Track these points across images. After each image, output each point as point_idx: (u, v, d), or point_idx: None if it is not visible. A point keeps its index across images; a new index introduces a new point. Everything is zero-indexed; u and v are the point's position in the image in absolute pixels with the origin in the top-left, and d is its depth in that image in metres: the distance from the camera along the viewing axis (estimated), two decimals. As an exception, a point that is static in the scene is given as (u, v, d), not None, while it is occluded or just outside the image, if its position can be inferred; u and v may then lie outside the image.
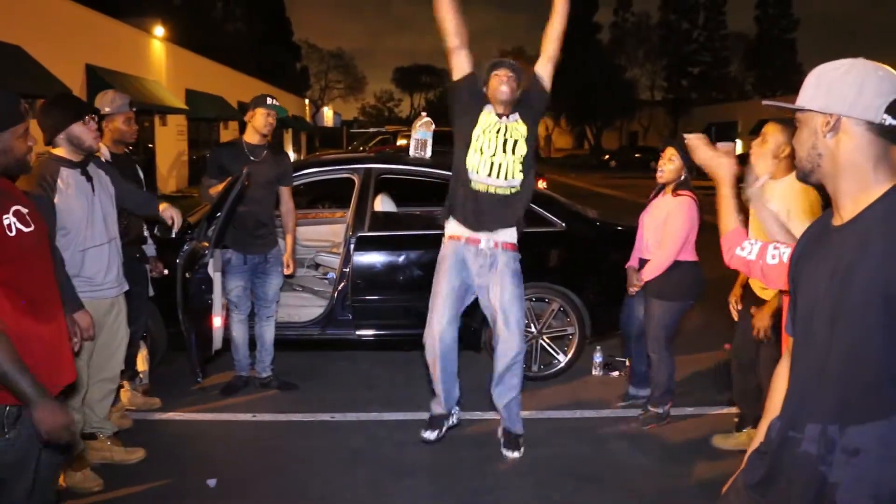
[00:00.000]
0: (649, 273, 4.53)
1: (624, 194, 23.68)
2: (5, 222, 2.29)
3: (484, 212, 4.12)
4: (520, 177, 4.11)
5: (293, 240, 5.18)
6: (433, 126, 6.15)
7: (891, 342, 1.50)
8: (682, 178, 4.51)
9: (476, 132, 4.09)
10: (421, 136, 6.01)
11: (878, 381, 1.53)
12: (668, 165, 4.51)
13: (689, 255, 4.51)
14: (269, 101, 4.94)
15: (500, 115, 4.12)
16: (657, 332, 4.58)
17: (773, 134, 3.74)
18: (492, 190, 4.09)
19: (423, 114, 6.38)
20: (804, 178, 1.74)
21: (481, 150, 4.07)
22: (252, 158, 4.89)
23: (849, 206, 1.64)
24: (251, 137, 4.97)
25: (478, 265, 4.16)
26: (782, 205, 3.54)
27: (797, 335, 1.75)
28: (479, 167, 4.07)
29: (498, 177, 4.07)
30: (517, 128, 4.12)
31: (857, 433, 1.56)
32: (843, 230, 1.64)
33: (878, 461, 1.54)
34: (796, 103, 1.69)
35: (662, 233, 4.49)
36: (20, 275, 2.34)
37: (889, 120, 1.57)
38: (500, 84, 4.06)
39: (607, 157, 45.46)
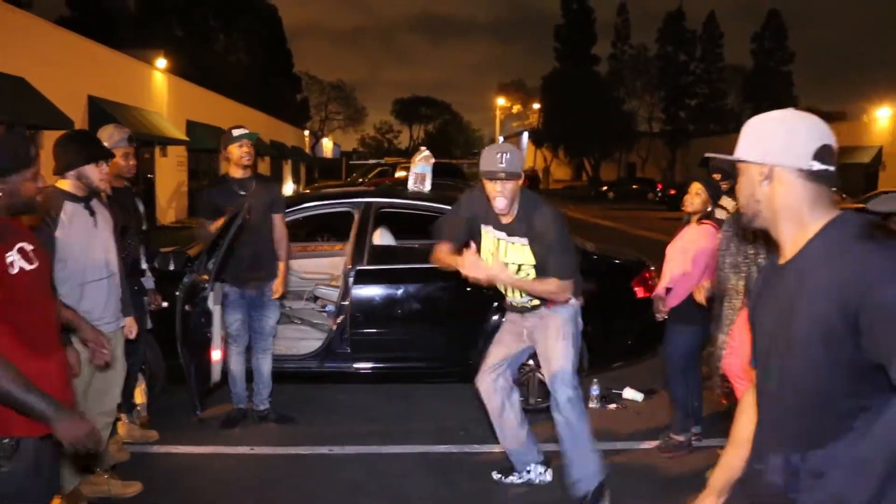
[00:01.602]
0: (673, 299, 4.66)
1: (622, 226, 23.74)
2: (8, 260, 2.31)
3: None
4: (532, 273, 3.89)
5: (286, 266, 5.17)
6: (433, 160, 6.21)
7: (837, 368, 1.58)
8: (709, 210, 4.68)
9: (483, 252, 3.97)
10: (420, 170, 6.07)
11: (830, 408, 1.62)
12: (696, 200, 4.66)
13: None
14: (235, 133, 4.96)
15: (497, 227, 3.91)
16: (672, 356, 4.71)
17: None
18: (516, 303, 4.07)
19: (423, 148, 6.44)
20: (748, 223, 1.84)
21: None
22: (242, 193, 4.91)
23: (789, 246, 1.74)
24: (235, 172, 5.00)
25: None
26: None
27: (758, 371, 1.84)
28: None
29: (513, 295, 4.04)
30: (522, 251, 3.86)
31: (819, 457, 1.64)
32: (785, 269, 1.73)
33: (843, 481, 1.61)
34: (734, 154, 1.81)
35: (685, 261, 4.63)
36: (21, 312, 2.36)
37: (817, 165, 1.68)
38: (495, 197, 3.75)
39: (605, 188, 45.65)
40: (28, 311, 2.40)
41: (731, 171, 4.38)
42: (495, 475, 4.34)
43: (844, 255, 1.58)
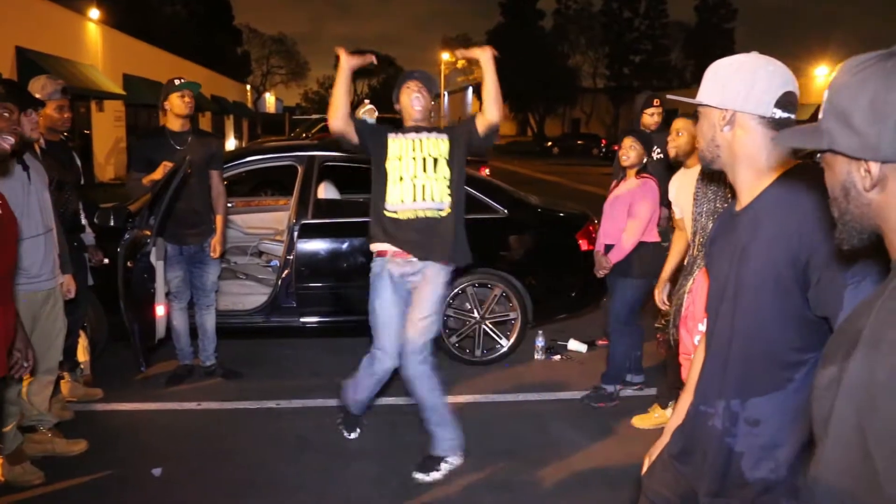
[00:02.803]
0: (616, 255, 4.69)
1: (566, 181, 23.97)
2: None
3: (411, 240, 3.88)
4: (447, 199, 3.87)
5: (223, 223, 5.08)
6: (376, 113, 6.17)
7: (783, 318, 1.63)
8: (643, 162, 4.72)
9: (390, 164, 3.88)
10: (365, 124, 6.01)
11: (775, 356, 1.66)
12: (631, 153, 4.69)
13: (652, 237, 4.72)
14: (177, 82, 4.85)
15: (415, 130, 3.93)
16: (618, 309, 4.77)
17: (685, 128, 4.08)
18: (421, 214, 3.86)
19: (366, 101, 6.40)
20: (707, 166, 1.84)
21: (400, 177, 3.86)
22: (178, 147, 4.82)
23: (745, 193, 1.75)
24: (173, 124, 4.89)
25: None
26: None
27: (709, 316, 1.87)
28: (402, 196, 3.85)
29: (424, 199, 3.85)
30: (438, 144, 3.89)
31: (757, 405, 1.70)
32: (741, 215, 1.75)
33: (777, 429, 1.68)
34: (696, 98, 1.78)
35: (626, 216, 4.67)
36: None
37: (779, 113, 1.67)
38: (411, 97, 3.94)
39: (550, 143, 45.86)
40: None
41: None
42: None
43: (798, 206, 1.59)
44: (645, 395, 4.98)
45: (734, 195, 1.82)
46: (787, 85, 1.68)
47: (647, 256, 4.66)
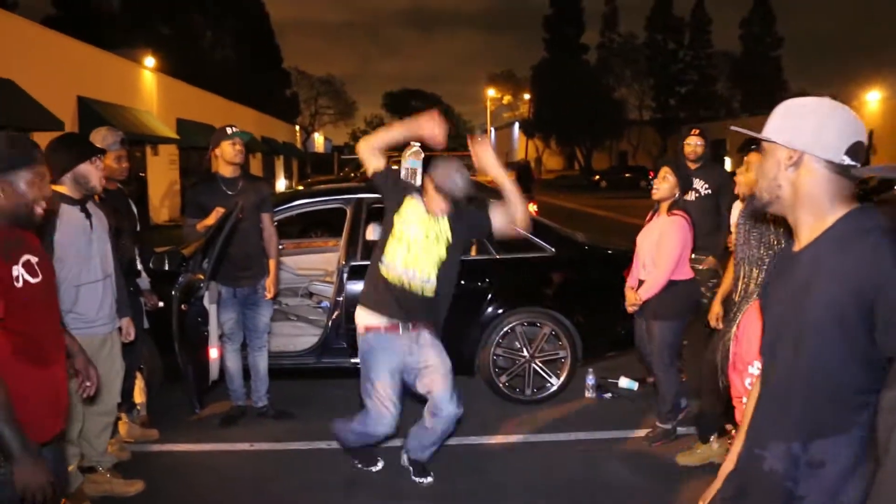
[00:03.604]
0: (646, 292, 4.62)
1: (614, 215, 23.79)
2: (14, 273, 2.34)
3: (404, 307, 4.01)
4: (433, 280, 4.00)
5: (276, 265, 5.20)
6: (423, 154, 6.23)
7: (847, 359, 1.60)
8: (676, 197, 4.63)
9: (398, 218, 3.99)
10: (411, 166, 6.08)
11: (840, 396, 1.63)
12: (663, 184, 4.61)
13: (684, 274, 4.62)
14: (229, 130, 4.98)
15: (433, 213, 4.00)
16: (660, 352, 4.67)
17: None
18: (405, 284, 3.98)
19: (413, 143, 6.47)
20: (762, 207, 1.83)
21: (406, 241, 3.97)
22: (229, 192, 4.93)
23: (805, 234, 1.74)
24: (225, 171, 5.01)
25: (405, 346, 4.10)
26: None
27: (764, 357, 1.84)
28: (396, 258, 3.96)
29: (416, 271, 3.97)
30: (443, 228, 4.01)
31: (821, 447, 1.65)
32: (800, 255, 1.73)
33: (842, 471, 1.63)
34: (763, 132, 1.78)
35: (657, 252, 4.59)
36: (24, 324, 2.39)
37: (848, 160, 1.67)
38: (438, 207, 3.98)
39: (597, 177, 45.68)
40: (31, 323, 2.42)
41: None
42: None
43: (861, 244, 1.58)
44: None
45: (790, 237, 1.81)
46: (858, 135, 1.69)
47: (681, 294, 4.58)
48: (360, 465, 4.47)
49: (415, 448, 4.31)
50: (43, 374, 2.46)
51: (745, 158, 4.01)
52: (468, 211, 4.15)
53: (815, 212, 1.71)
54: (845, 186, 1.70)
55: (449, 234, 4.01)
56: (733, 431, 2.60)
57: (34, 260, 2.45)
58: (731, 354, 2.58)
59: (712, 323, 4.35)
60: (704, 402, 4.36)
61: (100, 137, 4.49)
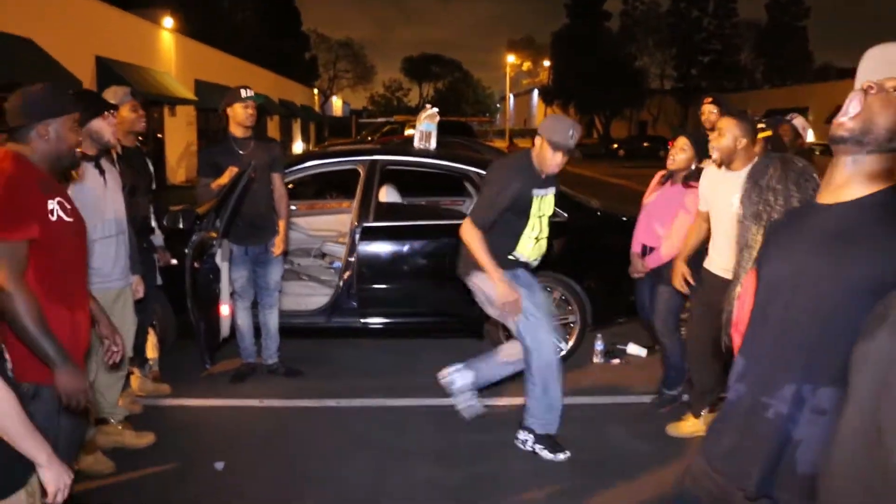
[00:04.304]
0: (654, 261, 4.66)
1: (632, 184, 23.60)
2: (49, 206, 2.44)
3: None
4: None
5: (286, 224, 5.24)
6: (438, 118, 6.23)
7: (852, 320, 1.59)
8: (693, 168, 4.63)
9: (532, 220, 4.20)
10: (425, 128, 6.09)
11: (841, 350, 1.61)
12: (680, 155, 4.64)
13: None
14: (244, 93, 5.00)
15: (541, 185, 4.18)
16: (665, 317, 4.71)
17: (728, 127, 3.94)
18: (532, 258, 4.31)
19: (428, 105, 6.46)
20: (864, 135, 1.70)
21: (537, 237, 4.26)
22: (242, 152, 4.97)
23: (844, 188, 1.71)
24: (237, 132, 5.04)
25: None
26: None
27: (765, 299, 1.83)
28: (527, 249, 4.24)
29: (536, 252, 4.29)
30: (550, 202, 4.28)
31: (828, 395, 1.66)
32: (832, 209, 1.71)
33: (833, 426, 1.63)
34: (859, 81, 1.71)
35: (671, 223, 4.62)
36: (56, 260, 2.48)
37: None
38: (555, 164, 4.10)
39: (616, 146, 45.34)
40: (62, 261, 2.52)
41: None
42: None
43: None
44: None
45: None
46: None
47: (692, 263, 4.57)
48: (545, 450, 4.23)
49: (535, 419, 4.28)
50: (67, 315, 2.54)
51: (718, 124, 4.00)
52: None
53: (872, 161, 1.67)
54: None
55: (550, 203, 4.30)
56: None
57: (67, 205, 2.53)
58: (734, 315, 2.58)
59: (677, 285, 4.35)
60: (695, 377, 4.38)
61: (111, 94, 4.52)
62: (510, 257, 4.19)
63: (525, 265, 4.31)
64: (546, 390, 4.17)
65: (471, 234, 4.11)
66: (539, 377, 4.16)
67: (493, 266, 4.07)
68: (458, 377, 4.47)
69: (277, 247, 5.14)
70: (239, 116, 4.98)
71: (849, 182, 1.71)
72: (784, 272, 1.78)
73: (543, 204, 4.21)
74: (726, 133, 3.93)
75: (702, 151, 4.60)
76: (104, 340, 3.02)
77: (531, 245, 4.22)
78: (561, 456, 4.16)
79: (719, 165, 4.05)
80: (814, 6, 56.79)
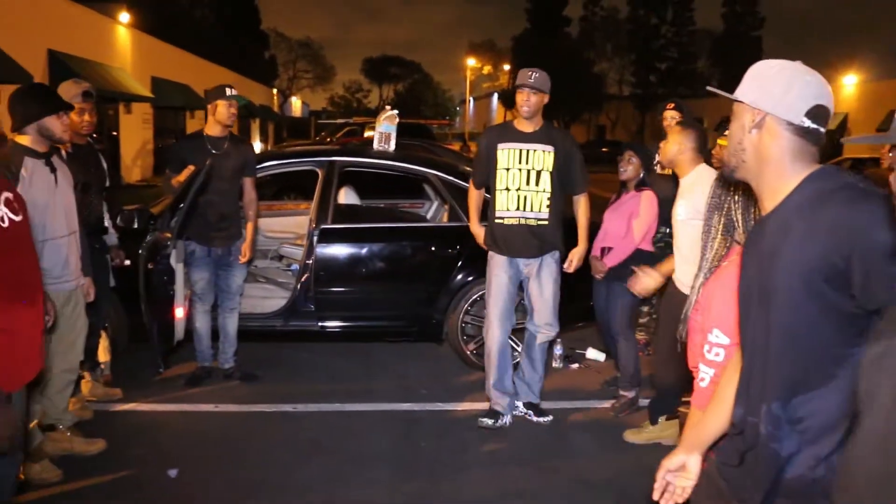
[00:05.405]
0: (612, 259, 4.74)
1: (592, 189, 23.78)
2: None
3: (514, 242, 4.53)
4: (546, 211, 4.49)
5: (253, 229, 5.18)
6: (397, 119, 6.19)
7: (818, 316, 1.60)
8: (641, 175, 4.81)
9: (499, 173, 4.49)
10: (385, 130, 6.05)
11: (813, 354, 1.63)
12: (628, 166, 4.84)
13: (647, 246, 4.79)
14: (228, 91, 4.94)
15: (524, 139, 4.49)
16: (619, 315, 4.80)
17: (674, 134, 4.07)
18: (522, 221, 4.49)
19: (388, 107, 6.43)
20: (730, 174, 1.83)
21: (507, 187, 4.48)
22: (214, 151, 4.89)
23: (770, 199, 1.74)
24: (213, 130, 4.97)
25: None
26: (692, 194, 3.85)
27: (741, 323, 1.84)
28: (507, 204, 4.48)
29: (526, 209, 4.47)
30: (545, 158, 4.48)
31: (799, 403, 1.65)
32: (768, 220, 1.73)
33: (821, 429, 1.64)
34: (734, 94, 1.78)
35: (627, 225, 4.74)
36: (8, 264, 2.37)
37: (808, 123, 1.67)
38: (522, 105, 4.52)
39: (575, 150, 45.61)
40: (12, 262, 2.42)
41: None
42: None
43: (830, 204, 1.58)
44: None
45: (756, 205, 1.80)
46: (822, 98, 1.68)
47: (643, 262, 4.63)
48: (540, 418, 4.76)
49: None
50: (19, 316, 2.45)
51: (623, 154, 4.24)
52: (553, 132, 4.74)
53: (778, 176, 1.71)
54: (808, 151, 1.70)
55: (550, 161, 4.58)
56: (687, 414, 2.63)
57: (11, 197, 2.43)
58: (690, 321, 2.60)
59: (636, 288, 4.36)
60: (658, 384, 4.40)
61: (64, 89, 4.39)
62: (497, 220, 4.52)
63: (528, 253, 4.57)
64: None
65: (469, 193, 4.77)
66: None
67: (474, 219, 4.74)
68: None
69: (244, 254, 5.08)
70: (221, 115, 4.91)
71: (765, 195, 1.77)
72: (745, 290, 1.80)
73: (512, 157, 4.48)
74: (671, 140, 4.05)
75: (647, 159, 4.85)
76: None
77: (504, 198, 4.48)
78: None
79: (662, 168, 4.17)
80: (768, 17, 57.86)
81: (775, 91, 1.69)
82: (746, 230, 2.43)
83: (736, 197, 2.43)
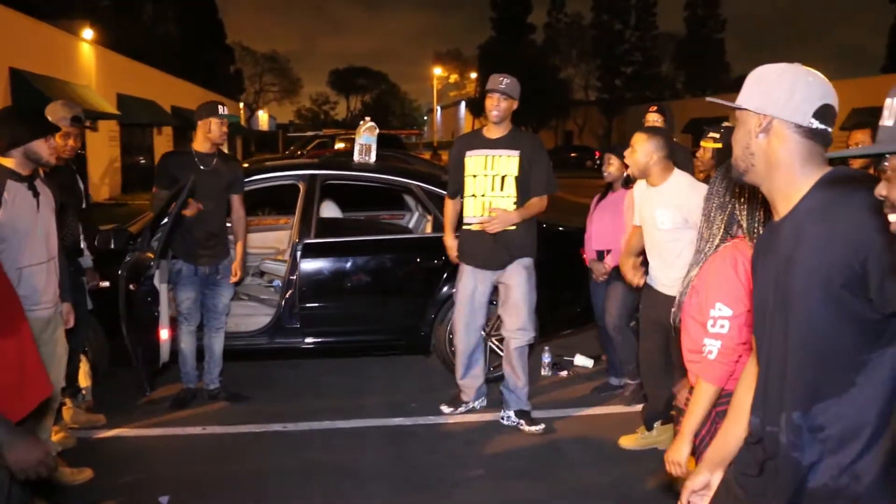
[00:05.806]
0: (613, 259, 4.82)
1: (565, 194, 23.80)
2: None
3: (480, 251, 4.61)
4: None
5: (243, 248, 5.09)
6: (377, 130, 6.14)
7: (836, 321, 1.58)
8: (625, 175, 4.85)
9: (467, 180, 4.59)
10: (365, 141, 6.00)
11: (832, 360, 1.61)
12: (611, 168, 4.99)
13: None
14: (221, 109, 4.88)
15: (490, 145, 4.57)
16: (619, 312, 4.87)
17: (639, 143, 3.99)
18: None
19: (367, 119, 6.37)
20: (739, 177, 1.81)
21: (473, 194, 4.56)
22: (202, 167, 4.81)
23: (783, 203, 1.72)
24: (202, 146, 4.89)
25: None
26: (676, 205, 3.84)
27: (756, 330, 1.82)
28: (474, 210, 4.57)
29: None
30: (509, 163, 4.52)
31: (819, 411, 1.63)
32: (781, 225, 1.71)
33: (842, 436, 1.61)
34: (736, 102, 1.76)
35: (620, 222, 4.81)
36: None
37: (816, 124, 1.66)
38: (491, 110, 4.58)
39: (544, 156, 45.83)
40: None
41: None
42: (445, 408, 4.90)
43: (845, 208, 1.56)
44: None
45: (767, 209, 1.78)
46: (827, 98, 1.67)
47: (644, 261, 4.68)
48: (528, 426, 4.74)
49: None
50: (5, 345, 2.34)
51: (631, 140, 4.06)
52: (522, 137, 4.76)
53: (788, 179, 1.69)
54: (817, 152, 1.68)
55: (514, 166, 4.63)
56: (681, 417, 2.61)
57: None
58: (685, 305, 2.61)
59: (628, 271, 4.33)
60: (649, 391, 4.38)
61: (51, 111, 4.28)
62: (464, 226, 4.65)
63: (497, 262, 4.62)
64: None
65: (444, 204, 4.89)
66: None
67: (448, 232, 4.84)
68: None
69: (234, 274, 5.01)
70: (213, 133, 4.84)
71: (777, 199, 1.75)
72: (759, 297, 1.78)
73: (478, 164, 4.56)
74: (637, 149, 3.99)
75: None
76: None
77: (471, 204, 4.58)
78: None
79: (636, 179, 4.18)
80: (730, 20, 58.76)
81: (779, 95, 1.68)
82: (750, 231, 2.42)
83: (742, 199, 2.42)
